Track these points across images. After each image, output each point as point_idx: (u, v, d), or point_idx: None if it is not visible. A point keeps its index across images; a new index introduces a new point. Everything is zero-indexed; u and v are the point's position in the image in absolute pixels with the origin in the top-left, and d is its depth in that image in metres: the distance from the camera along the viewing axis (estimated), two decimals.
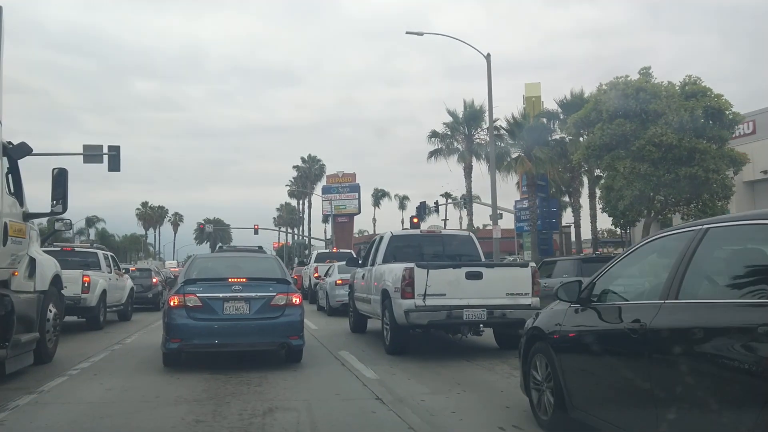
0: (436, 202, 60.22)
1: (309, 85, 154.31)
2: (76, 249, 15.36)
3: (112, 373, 8.14)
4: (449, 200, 65.97)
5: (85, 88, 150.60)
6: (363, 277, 12.61)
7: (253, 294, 8.29)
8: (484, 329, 10.01)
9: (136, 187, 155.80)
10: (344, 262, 18.60)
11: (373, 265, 12.00)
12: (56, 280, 9.22)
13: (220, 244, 32.54)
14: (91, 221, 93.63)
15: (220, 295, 8.18)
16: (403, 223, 77.69)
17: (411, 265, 9.57)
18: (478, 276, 9.58)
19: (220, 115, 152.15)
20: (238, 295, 8.21)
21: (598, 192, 27.46)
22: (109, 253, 16.25)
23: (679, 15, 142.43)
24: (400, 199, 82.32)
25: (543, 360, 5.07)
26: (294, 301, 8.48)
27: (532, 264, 10.26)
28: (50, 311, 8.92)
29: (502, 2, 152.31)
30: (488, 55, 24.63)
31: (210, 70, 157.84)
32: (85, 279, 13.31)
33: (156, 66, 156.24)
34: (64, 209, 8.53)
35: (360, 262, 13.59)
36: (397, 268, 9.91)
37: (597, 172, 41.00)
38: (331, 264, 20.07)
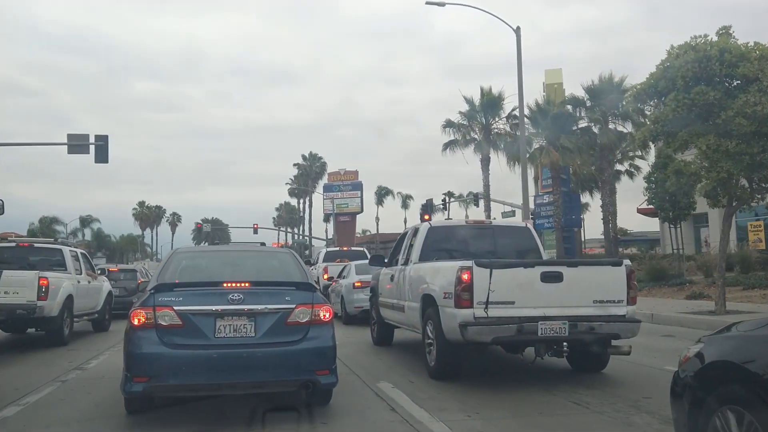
0: (444, 199, 58.26)
1: (309, 85, 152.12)
2: (36, 245, 12.60)
3: (43, 429, 5.39)
4: (452, 198, 63.71)
5: (84, 88, 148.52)
6: (392, 279, 10.21)
7: (260, 306, 5.53)
8: (567, 349, 7.32)
9: (134, 187, 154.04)
10: (362, 261, 16.51)
11: (406, 264, 9.60)
12: None
13: (216, 242, 29.79)
14: (85, 221, 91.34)
15: (211, 308, 5.46)
16: (406, 222, 75.66)
17: (468, 263, 7.21)
18: (557, 278, 7.27)
19: (220, 115, 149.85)
20: (238, 308, 5.46)
21: (643, 183, 24.81)
22: (79, 250, 13.43)
23: (679, 14, 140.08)
24: (403, 197, 79.94)
25: (739, 416, 3.21)
26: (322, 316, 5.70)
27: (627, 262, 7.66)
28: None
29: (502, 2, 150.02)
30: (518, 28, 22.19)
31: (209, 71, 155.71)
32: (42, 282, 10.54)
33: (155, 66, 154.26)
34: None
35: (386, 260, 11.07)
36: (448, 268, 7.60)
37: (618, 166, 39.07)
38: (345, 263, 17.43)
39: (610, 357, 7.73)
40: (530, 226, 10.38)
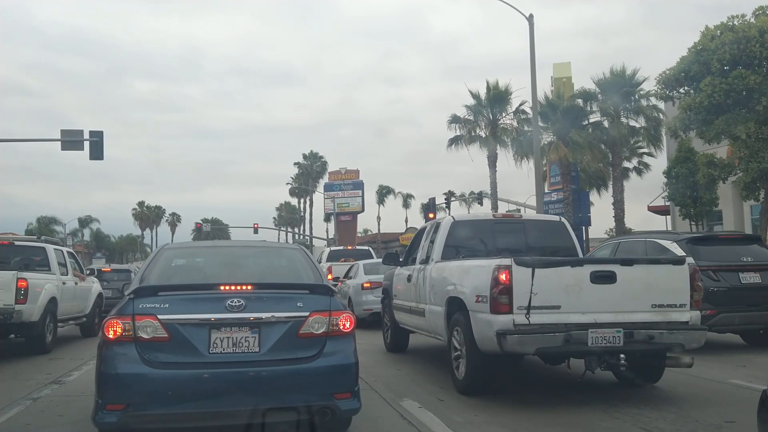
0: (446, 198, 57.29)
1: (309, 85, 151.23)
2: (17, 243, 11.57)
3: None
4: (454, 197, 62.98)
5: (84, 88, 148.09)
6: (408, 279, 9.24)
7: (265, 314, 4.52)
8: (625, 362, 6.26)
9: (134, 188, 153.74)
10: (370, 261, 15.65)
11: (426, 262, 8.64)
12: None
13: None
14: (84, 221, 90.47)
15: (205, 316, 4.44)
16: (407, 222, 74.84)
17: (507, 261, 6.26)
18: (609, 278, 6.35)
19: (219, 115, 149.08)
20: (239, 316, 4.45)
21: (652, 180, 23.82)
22: (65, 249, 12.34)
23: (677, 14, 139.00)
24: (404, 197, 79.03)
25: None
26: (342, 325, 4.69)
27: (690, 259, 6.68)
28: None
29: (500, 2, 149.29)
30: (531, 15, 21.15)
31: (209, 71, 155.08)
32: (20, 283, 9.52)
33: (154, 66, 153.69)
34: None
35: (401, 259, 10.13)
36: (481, 267, 6.68)
37: (626, 163, 38.08)
38: (350, 263, 16.51)
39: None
40: (565, 220, 9.38)
